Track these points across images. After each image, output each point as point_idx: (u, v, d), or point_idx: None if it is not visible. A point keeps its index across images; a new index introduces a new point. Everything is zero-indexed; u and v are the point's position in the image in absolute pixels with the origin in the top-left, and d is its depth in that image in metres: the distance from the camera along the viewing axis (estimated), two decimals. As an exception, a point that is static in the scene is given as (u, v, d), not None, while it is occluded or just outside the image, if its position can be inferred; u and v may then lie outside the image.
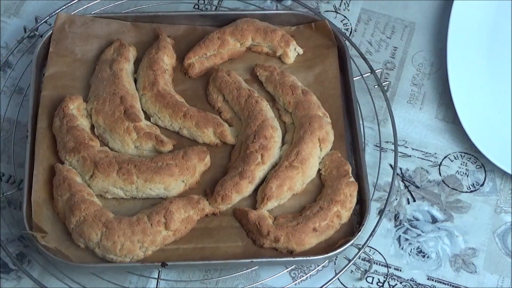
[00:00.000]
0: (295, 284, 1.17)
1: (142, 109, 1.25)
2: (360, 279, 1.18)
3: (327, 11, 1.40)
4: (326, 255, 1.14)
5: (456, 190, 1.26)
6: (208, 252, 1.15)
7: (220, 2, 1.40)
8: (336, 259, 1.19)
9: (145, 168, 1.17)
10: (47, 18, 1.32)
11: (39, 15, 1.34)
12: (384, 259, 1.20)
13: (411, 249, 1.21)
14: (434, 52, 1.37)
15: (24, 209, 1.15)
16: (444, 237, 1.22)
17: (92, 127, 1.23)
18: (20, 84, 1.31)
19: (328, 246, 1.15)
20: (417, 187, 1.26)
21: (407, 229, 1.22)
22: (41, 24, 1.32)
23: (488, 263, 1.20)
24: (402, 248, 1.21)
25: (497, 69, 1.33)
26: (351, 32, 1.38)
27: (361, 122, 1.25)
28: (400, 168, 1.27)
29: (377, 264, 1.20)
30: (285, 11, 1.35)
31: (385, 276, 1.19)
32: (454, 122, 1.30)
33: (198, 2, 1.40)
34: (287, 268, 1.18)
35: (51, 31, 1.29)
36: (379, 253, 1.20)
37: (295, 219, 1.15)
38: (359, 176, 1.20)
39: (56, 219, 1.16)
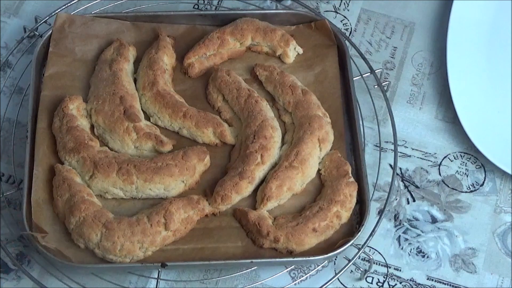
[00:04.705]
0: (295, 284, 1.18)
1: (141, 109, 1.25)
2: (360, 279, 1.18)
3: (326, 11, 1.40)
4: (325, 255, 1.14)
5: (456, 190, 1.26)
6: (208, 252, 1.15)
7: (220, 2, 1.40)
8: (336, 259, 1.19)
9: (144, 168, 1.17)
10: (47, 18, 1.32)
11: (39, 15, 1.34)
12: (384, 259, 1.20)
13: (411, 249, 1.21)
14: (433, 52, 1.37)
15: (24, 209, 1.15)
16: (444, 237, 1.22)
17: (92, 127, 1.23)
18: (20, 84, 1.31)
19: (328, 246, 1.15)
20: (417, 187, 1.26)
21: (407, 229, 1.22)
22: (41, 24, 1.32)
23: (488, 263, 1.20)
24: (402, 248, 1.21)
25: (497, 69, 1.33)
26: (350, 32, 1.38)
27: (361, 122, 1.25)
28: (400, 168, 1.27)
29: (377, 264, 1.20)
30: (285, 11, 1.35)
31: (385, 276, 1.19)
32: (454, 122, 1.30)
33: (198, 2, 1.40)
34: (287, 268, 1.18)
35: (50, 31, 1.29)
36: (379, 253, 1.20)
37: (295, 220, 1.15)
38: (359, 176, 1.20)
39: (56, 219, 1.16)
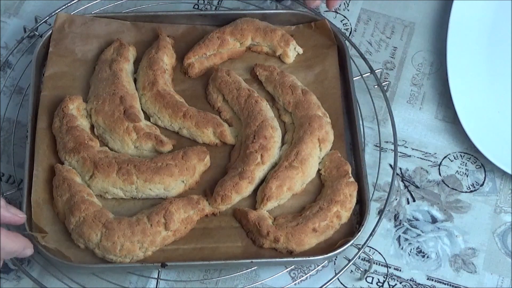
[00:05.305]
0: (295, 284, 1.17)
1: (141, 109, 1.25)
2: (360, 279, 1.18)
3: (327, 11, 1.39)
4: (325, 255, 1.14)
5: (456, 190, 1.26)
6: (208, 252, 1.15)
7: (220, 2, 1.40)
8: (336, 259, 1.19)
9: (144, 168, 1.17)
10: (47, 18, 1.32)
11: (39, 15, 1.34)
12: (384, 259, 1.20)
13: (411, 249, 1.21)
14: (433, 52, 1.37)
15: (24, 209, 1.15)
16: (444, 237, 1.22)
17: (92, 127, 1.23)
18: (20, 84, 1.31)
19: (328, 246, 1.15)
20: (416, 187, 1.26)
21: (407, 229, 1.22)
22: (41, 24, 1.32)
23: (488, 263, 1.20)
24: (402, 248, 1.21)
25: (496, 69, 1.33)
26: (351, 32, 1.38)
27: (361, 122, 1.25)
28: (400, 168, 1.27)
29: (377, 264, 1.20)
30: (285, 11, 1.35)
31: (385, 276, 1.19)
32: (454, 122, 1.30)
33: (198, 1, 1.40)
34: (287, 268, 1.18)
35: (50, 31, 1.29)
36: (379, 253, 1.20)
37: (295, 220, 1.15)
38: (359, 176, 1.20)
39: (56, 219, 1.16)
